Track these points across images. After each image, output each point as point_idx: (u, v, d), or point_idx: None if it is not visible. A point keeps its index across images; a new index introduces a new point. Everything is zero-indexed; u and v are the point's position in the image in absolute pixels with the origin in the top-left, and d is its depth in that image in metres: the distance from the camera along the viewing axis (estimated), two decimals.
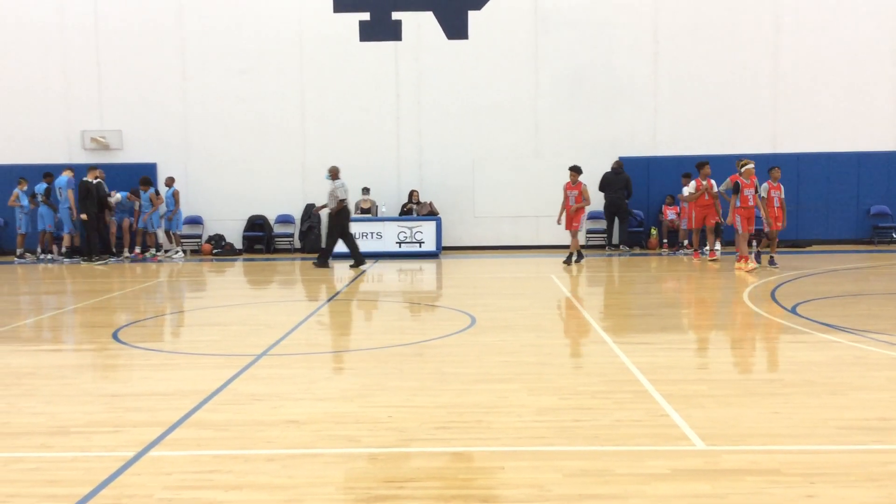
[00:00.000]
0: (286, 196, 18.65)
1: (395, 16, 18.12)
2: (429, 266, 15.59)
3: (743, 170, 13.19)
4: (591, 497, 3.73)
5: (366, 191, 17.98)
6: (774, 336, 7.97)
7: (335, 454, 4.41)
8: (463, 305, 9.88)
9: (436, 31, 18.12)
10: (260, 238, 18.67)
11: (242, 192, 18.63)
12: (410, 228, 17.16)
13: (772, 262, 13.70)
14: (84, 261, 16.55)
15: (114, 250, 17.40)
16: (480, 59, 18.34)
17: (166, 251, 17.74)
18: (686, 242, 17.36)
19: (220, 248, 18.28)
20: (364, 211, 17.80)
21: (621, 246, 17.56)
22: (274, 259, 16.81)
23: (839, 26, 18.04)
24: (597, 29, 18.23)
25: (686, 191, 15.83)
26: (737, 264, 13.37)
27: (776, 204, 13.58)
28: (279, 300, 11.59)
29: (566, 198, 14.80)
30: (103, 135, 18.49)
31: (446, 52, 18.28)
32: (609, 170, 17.63)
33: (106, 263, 16.36)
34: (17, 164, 18.19)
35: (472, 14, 18.16)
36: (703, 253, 15.57)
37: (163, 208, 17.39)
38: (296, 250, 18.66)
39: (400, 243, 17.08)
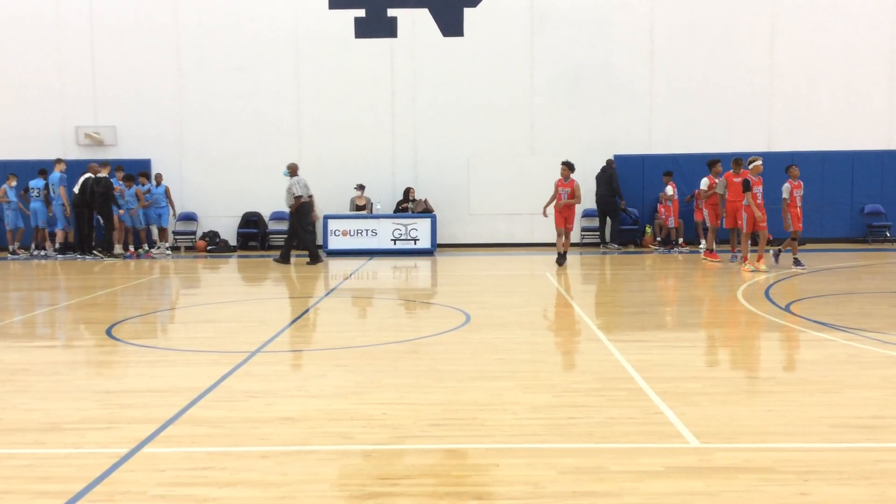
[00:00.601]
0: (281, 193, 18.54)
1: (391, 13, 18.10)
2: (424, 263, 15.58)
3: (751, 166, 13.03)
4: (584, 494, 3.73)
5: (361, 188, 17.97)
6: (768, 334, 7.98)
7: (329, 451, 4.40)
8: (457, 303, 9.88)
9: (431, 29, 18.12)
10: (254, 235, 18.65)
11: (237, 188, 18.61)
12: (405, 226, 17.14)
13: (797, 262, 12.94)
14: (98, 253, 16.52)
15: (115, 252, 17.10)
16: (476, 57, 18.32)
17: (158, 247, 17.70)
18: (681, 241, 17.39)
19: (214, 245, 18.24)
20: (359, 208, 17.77)
21: (610, 244, 17.55)
22: (268, 256, 16.75)
23: (834, 26, 18.08)
24: (593, 27, 18.23)
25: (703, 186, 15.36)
26: (744, 265, 13.07)
27: (799, 203, 12.95)
28: (273, 297, 11.57)
29: (558, 195, 14.06)
30: (97, 130, 18.44)
31: (442, 49, 18.26)
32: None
33: (101, 260, 16.30)
34: (11, 160, 18.14)
35: (467, 11, 18.16)
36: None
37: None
38: None
39: (395, 241, 17.06)
